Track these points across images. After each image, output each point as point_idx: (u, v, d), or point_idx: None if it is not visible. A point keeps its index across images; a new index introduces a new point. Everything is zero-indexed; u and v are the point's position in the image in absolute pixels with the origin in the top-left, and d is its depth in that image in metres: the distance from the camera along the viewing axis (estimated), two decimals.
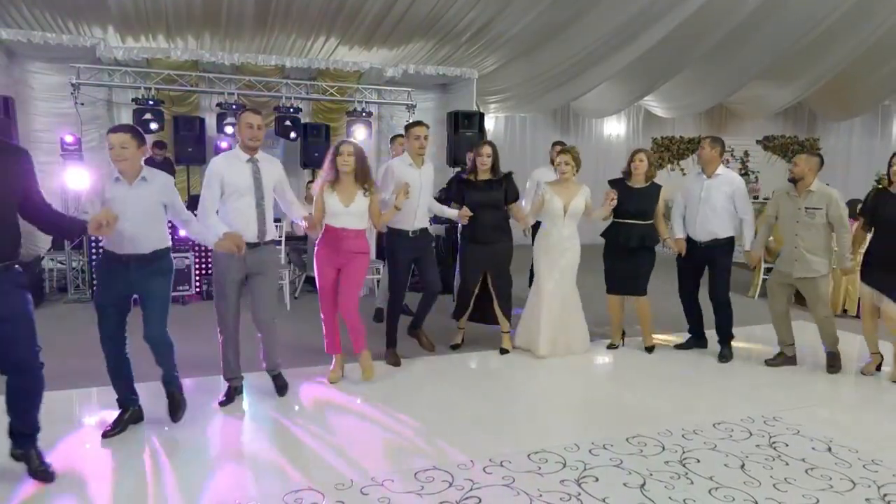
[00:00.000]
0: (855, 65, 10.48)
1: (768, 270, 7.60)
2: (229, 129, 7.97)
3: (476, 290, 5.06)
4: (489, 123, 11.33)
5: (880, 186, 4.61)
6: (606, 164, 12.77)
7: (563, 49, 9.62)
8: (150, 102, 7.87)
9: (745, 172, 12.25)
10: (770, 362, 4.86)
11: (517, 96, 11.28)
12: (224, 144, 7.86)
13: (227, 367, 3.99)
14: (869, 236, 4.68)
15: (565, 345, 5.02)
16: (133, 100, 7.97)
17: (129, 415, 3.51)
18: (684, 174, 12.61)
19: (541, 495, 2.87)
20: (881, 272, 4.45)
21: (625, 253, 4.98)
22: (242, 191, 3.77)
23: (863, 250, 4.74)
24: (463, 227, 5.05)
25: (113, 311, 3.37)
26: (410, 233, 4.64)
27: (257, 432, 3.57)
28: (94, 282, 3.60)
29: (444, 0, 8.06)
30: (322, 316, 4.36)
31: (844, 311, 6.62)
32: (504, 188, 4.93)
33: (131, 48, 8.07)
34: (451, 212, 4.86)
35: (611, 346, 5.26)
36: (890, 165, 4.43)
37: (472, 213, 4.76)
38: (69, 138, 7.23)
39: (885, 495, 2.94)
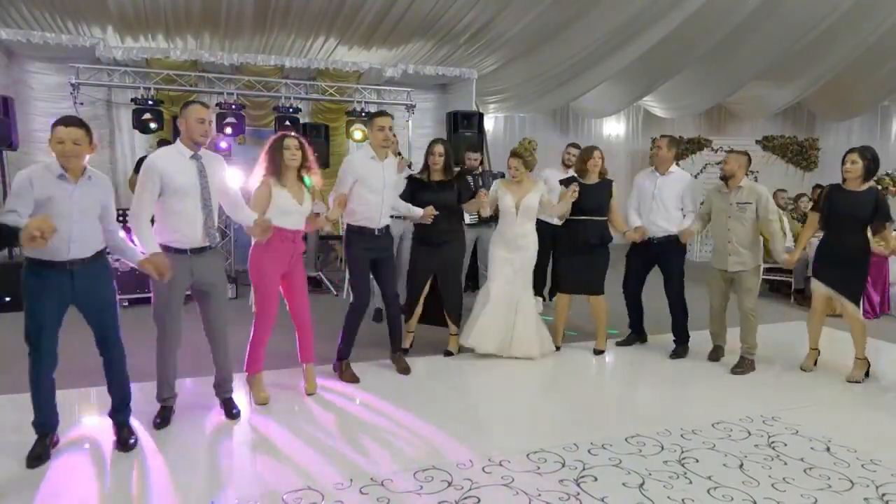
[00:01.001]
0: (854, 65, 10.49)
1: (767, 271, 7.61)
2: (228, 130, 7.96)
3: (425, 293, 4.92)
4: (488, 123, 11.33)
5: (834, 183, 4.70)
6: (606, 164, 12.77)
7: (563, 49, 9.62)
8: (150, 102, 7.87)
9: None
10: (711, 356, 5.03)
11: (517, 96, 11.27)
12: (224, 144, 7.85)
13: (164, 385, 3.58)
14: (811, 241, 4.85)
15: (516, 345, 4.87)
16: (132, 100, 7.96)
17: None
18: None
19: (540, 495, 2.87)
20: (834, 270, 4.54)
21: (582, 251, 4.97)
22: (186, 191, 3.38)
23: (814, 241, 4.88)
24: (414, 228, 4.93)
25: (51, 333, 3.06)
26: (376, 231, 4.37)
27: (255, 432, 3.57)
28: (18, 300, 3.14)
29: (443, 0, 8.06)
30: (253, 335, 3.91)
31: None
32: (457, 189, 4.83)
33: (130, 48, 8.07)
34: (417, 210, 4.65)
35: (596, 351, 5.19)
36: (843, 163, 4.52)
37: (437, 213, 4.60)
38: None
39: (883, 495, 2.95)
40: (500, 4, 8.30)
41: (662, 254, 5.05)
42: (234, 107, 8.17)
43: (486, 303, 4.89)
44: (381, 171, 4.36)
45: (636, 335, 5.43)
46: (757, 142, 12.67)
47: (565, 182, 5.08)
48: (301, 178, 3.91)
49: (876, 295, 6.70)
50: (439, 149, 4.78)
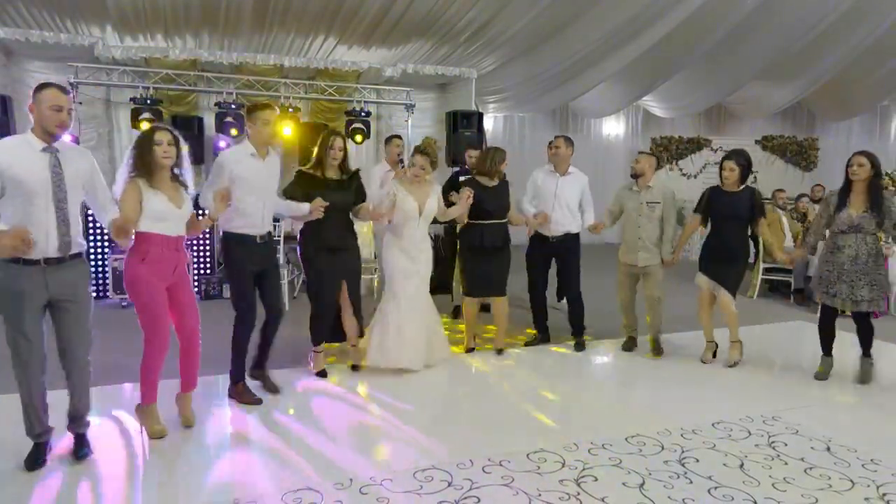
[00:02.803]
0: (854, 65, 10.50)
1: (767, 271, 7.62)
2: (235, 132, 7.96)
3: (337, 304, 4.42)
4: (488, 123, 11.33)
5: (715, 185, 4.92)
6: (605, 164, 12.80)
7: (562, 49, 9.62)
8: (149, 102, 7.87)
9: None
10: (625, 346, 5.21)
11: (516, 96, 11.27)
12: (223, 144, 7.85)
13: (35, 420, 3.04)
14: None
15: (430, 354, 4.65)
16: (131, 99, 7.96)
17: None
18: (683, 174, 12.61)
19: (540, 495, 2.87)
20: (715, 264, 4.81)
21: (487, 254, 4.87)
22: (34, 189, 2.85)
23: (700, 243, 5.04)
24: (307, 232, 4.33)
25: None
26: (258, 238, 3.86)
27: (255, 432, 3.56)
28: None
29: (442, 0, 8.05)
30: (144, 361, 3.37)
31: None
32: (354, 188, 4.38)
33: (129, 47, 8.06)
34: (302, 206, 4.09)
35: (497, 351, 5.09)
36: (721, 168, 4.75)
37: (327, 204, 4.07)
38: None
39: (884, 494, 2.94)
40: (499, 4, 8.29)
41: (561, 252, 5.15)
42: (233, 106, 8.17)
43: (398, 319, 4.48)
44: (264, 170, 3.87)
45: (543, 335, 5.41)
46: (756, 142, 12.69)
47: (464, 184, 4.94)
48: (177, 178, 3.40)
49: None
50: (340, 142, 4.24)
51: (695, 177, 12.71)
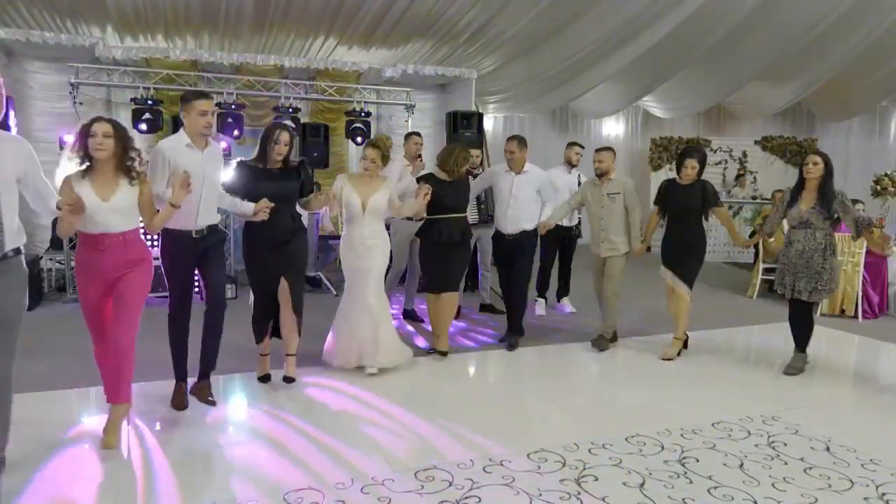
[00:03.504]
0: (853, 65, 10.50)
1: (767, 271, 7.62)
2: (236, 132, 7.98)
3: (276, 300, 4.19)
4: (488, 123, 11.33)
5: (673, 178, 5.07)
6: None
7: (562, 49, 9.63)
8: (149, 102, 7.86)
9: (743, 173, 12.27)
10: (595, 343, 5.25)
11: (516, 96, 11.28)
12: (223, 144, 7.85)
13: None
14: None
15: (384, 355, 4.49)
16: (132, 99, 7.96)
17: None
18: None
19: (540, 494, 2.88)
20: (672, 255, 4.98)
21: (446, 249, 4.84)
22: None
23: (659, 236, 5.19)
24: (248, 226, 4.13)
25: None
26: (194, 233, 3.66)
27: (256, 432, 3.57)
28: None
29: (442, 0, 8.06)
30: (96, 361, 3.34)
31: (842, 311, 6.63)
32: (301, 179, 4.16)
33: (130, 48, 8.06)
34: (246, 206, 3.90)
35: (439, 353, 4.92)
36: (684, 167, 4.87)
37: (272, 205, 3.87)
38: (68, 138, 7.23)
39: (883, 494, 2.95)
40: (499, 4, 8.30)
41: (515, 248, 5.20)
42: (233, 106, 8.18)
43: (352, 315, 4.44)
44: (200, 161, 3.64)
45: (514, 331, 5.37)
46: (756, 142, 12.67)
47: (420, 180, 4.89)
48: (129, 171, 3.20)
49: (875, 295, 6.70)
50: (286, 137, 4.02)
51: None
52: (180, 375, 3.81)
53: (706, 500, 2.88)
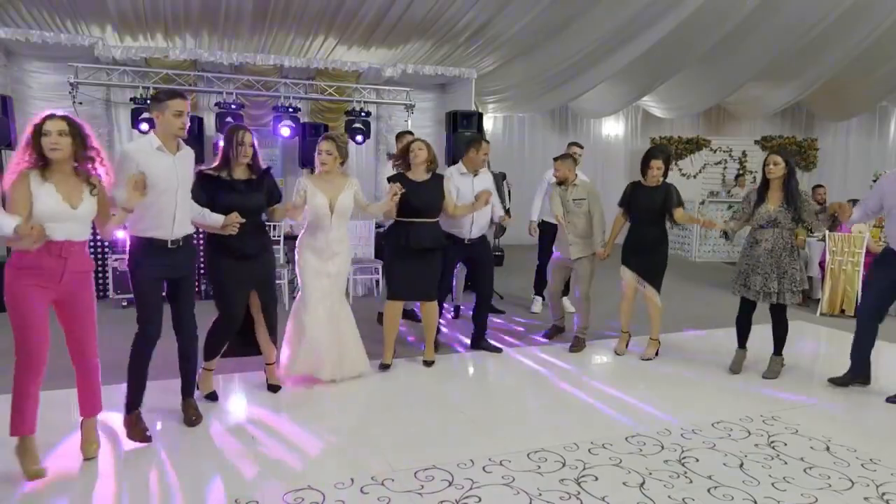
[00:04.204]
0: (853, 65, 10.50)
1: None
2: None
3: (242, 317, 3.95)
4: (488, 123, 11.35)
5: (636, 181, 5.09)
6: (605, 164, 12.81)
7: (562, 49, 9.64)
8: (149, 102, 7.86)
9: (742, 173, 12.28)
10: (547, 335, 5.55)
11: (516, 96, 11.29)
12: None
13: None
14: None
15: (350, 364, 4.28)
16: (131, 99, 7.97)
17: None
18: (683, 174, 12.62)
19: (540, 494, 2.88)
20: (637, 257, 4.99)
21: (413, 255, 4.47)
22: None
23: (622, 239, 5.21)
24: (213, 239, 3.80)
25: None
26: (170, 243, 3.37)
27: (256, 432, 3.56)
28: None
29: (442, 0, 8.06)
30: (15, 386, 2.89)
31: (842, 311, 6.64)
32: (266, 188, 3.91)
33: (129, 47, 8.07)
34: (214, 217, 3.63)
35: (384, 367, 4.60)
36: (650, 168, 4.88)
37: (243, 220, 3.64)
38: None
39: (883, 494, 2.95)
40: (498, 4, 8.30)
41: (476, 252, 5.11)
42: (233, 106, 8.18)
43: (307, 323, 4.15)
44: (173, 165, 3.36)
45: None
46: (756, 142, 12.69)
47: (391, 179, 4.53)
48: (88, 178, 2.96)
49: None
50: (250, 138, 3.80)
51: (694, 177, 12.73)
52: (138, 402, 3.43)
53: (706, 499, 2.88)
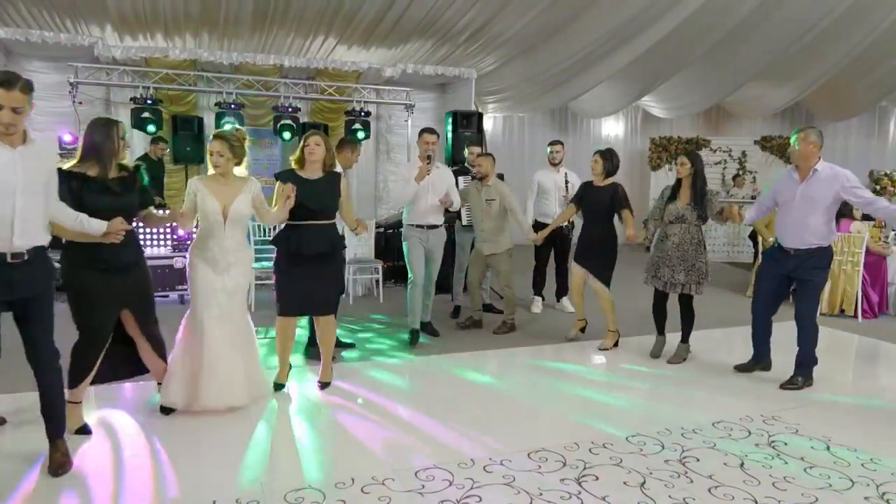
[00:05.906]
0: (852, 66, 10.52)
1: None
2: (227, 127, 7.98)
3: (109, 336, 3.42)
4: (487, 123, 11.34)
5: (588, 180, 5.33)
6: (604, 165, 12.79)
7: (562, 49, 9.64)
8: (149, 102, 7.88)
9: (741, 173, 12.28)
10: (460, 324, 5.86)
11: (515, 96, 11.29)
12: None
13: None
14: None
15: (242, 387, 3.72)
16: (131, 99, 7.97)
17: None
18: None
19: (541, 494, 2.88)
20: (584, 252, 5.21)
21: (306, 262, 3.96)
22: None
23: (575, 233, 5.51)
24: (73, 247, 3.27)
25: None
26: (9, 256, 2.76)
27: (256, 432, 3.56)
28: None
29: (442, 0, 8.06)
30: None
31: (842, 310, 6.64)
32: (138, 188, 3.45)
33: (129, 47, 8.06)
34: (94, 224, 3.09)
35: (278, 387, 4.10)
36: (595, 162, 5.16)
37: (130, 227, 3.26)
38: (67, 137, 7.24)
39: (883, 493, 2.95)
40: (498, 4, 8.30)
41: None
42: (232, 106, 8.18)
43: (195, 343, 3.64)
44: (12, 162, 2.74)
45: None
46: (756, 142, 12.69)
47: (280, 176, 4.05)
48: None
49: (875, 295, 6.71)
50: (123, 128, 3.46)
51: None
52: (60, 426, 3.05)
53: (706, 499, 2.88)
